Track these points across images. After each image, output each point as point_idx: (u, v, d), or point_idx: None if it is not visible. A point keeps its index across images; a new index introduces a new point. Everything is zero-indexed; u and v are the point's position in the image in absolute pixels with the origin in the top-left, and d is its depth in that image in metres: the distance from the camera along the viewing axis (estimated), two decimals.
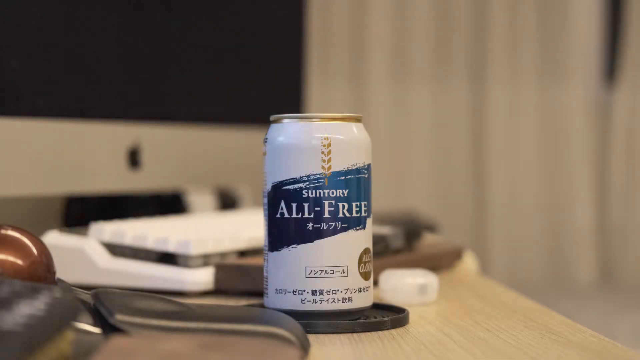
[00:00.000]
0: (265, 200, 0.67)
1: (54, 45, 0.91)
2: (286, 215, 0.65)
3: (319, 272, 0.64)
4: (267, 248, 0.67)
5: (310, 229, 0.64)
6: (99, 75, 0.97)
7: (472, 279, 0.94)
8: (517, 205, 2.79)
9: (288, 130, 0.65)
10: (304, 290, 0.65)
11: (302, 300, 0.65)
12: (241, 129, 1.16)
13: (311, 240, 0.64)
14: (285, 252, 0.65)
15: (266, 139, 0.67)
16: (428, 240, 1.13)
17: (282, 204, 0.65)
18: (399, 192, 2.76)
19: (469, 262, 1.05)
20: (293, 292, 0.65)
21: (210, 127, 1.12)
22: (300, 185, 0.65)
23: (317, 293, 0.64)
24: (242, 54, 1.17)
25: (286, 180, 0.65)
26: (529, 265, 2.80)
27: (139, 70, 1.02)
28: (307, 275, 0.64)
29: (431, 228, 1.84)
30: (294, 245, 0.65)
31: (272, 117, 0.67)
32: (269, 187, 0.66)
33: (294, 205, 0.65)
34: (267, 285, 0.66)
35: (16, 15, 0.87)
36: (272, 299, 0.66)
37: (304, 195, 0.65)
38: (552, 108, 2.81)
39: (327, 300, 0.64)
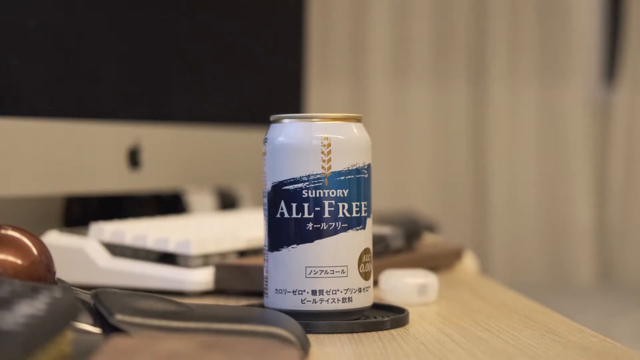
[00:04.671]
0: (265, 200, 0.67)
1: (54, 45, 0.91)
2: (286, 215, 0.65)
3: (319, 272, 0.64)
4: (267, 248, 0.67)
5: (310, 229, 0.64)
6: (99, 75, 0.97)
7: (472, 279, 0.94)
8: (517, 206, 2.79)
9: (288, 130, 0.65)
10: (304, 290, 0.65)
11: (302, 300, 0.65)
12: (241, 129, 1.16)
13: (311, 240, 0.64)
14: (285, 252, 0.65)
15: (266, 139, 0.67)
16: (428, 240, 1.13)
17: (282, 204, 0.65)
18: (399, 192, 2.76)
19: (469, 262, 1.05)
20: (293, 292, 0.65)
21: (210, 127, 1.12)
22: (300, 185, 0.65)
23: (317, 293, 0.64)
24: (242, 54, 1.17)
25: (286, 180, 0.65)
26: (529, 265, 2.80)
27: (139, 70, 1.02)
28: (307, 275, 0.64)
29: (431, 228, 1.84)
30: (294, 245, 0.65)
31: (272, 117, 0.67)
32: (269, 187, 0.66)
33: (294, 205, 0.65)
34: (267, 285, 0.66)
35: (16, 15, 0.87)
36: (272, 299, 0.66)
37: (304, 195, 0.65)
38: (552, 108, 2.81)
39: (327, 300, 0.64)
